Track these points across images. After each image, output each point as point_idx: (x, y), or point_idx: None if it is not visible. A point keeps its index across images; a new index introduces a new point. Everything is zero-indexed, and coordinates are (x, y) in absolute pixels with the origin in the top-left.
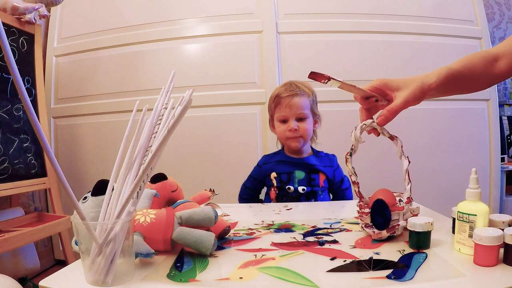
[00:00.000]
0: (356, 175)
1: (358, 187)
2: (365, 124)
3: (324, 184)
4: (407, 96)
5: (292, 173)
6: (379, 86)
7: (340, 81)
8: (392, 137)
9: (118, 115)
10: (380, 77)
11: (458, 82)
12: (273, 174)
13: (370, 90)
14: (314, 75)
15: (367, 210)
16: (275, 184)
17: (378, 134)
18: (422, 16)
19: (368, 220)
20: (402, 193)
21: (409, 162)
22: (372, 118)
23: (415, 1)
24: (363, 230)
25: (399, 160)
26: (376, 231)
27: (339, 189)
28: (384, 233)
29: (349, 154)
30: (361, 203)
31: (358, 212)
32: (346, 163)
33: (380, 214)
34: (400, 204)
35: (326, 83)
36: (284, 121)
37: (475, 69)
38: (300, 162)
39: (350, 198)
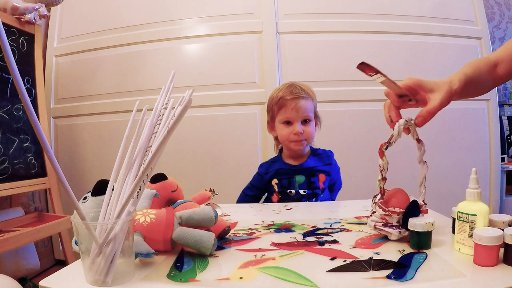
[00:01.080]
0: (386, 170)
1: (384, 183)
2: (406, 121)
3: (324, 185)
4: (441, 99)
5: (292, 178)
6: (413, 85)
7: (386, 77)
8: (418, 140)
9: (118, 115)
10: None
11: (472, 87)
12: (275, 181)
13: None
14: (363, 66)
15: (398, 209)
16: (276, 190)
17: (409, 133)
18: (422, 16)
19: (394, 219)
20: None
21: (428, 168)
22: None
23: (415, 1)
24: (376, 229)
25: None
26: (402, 231)
27: (333, 186)
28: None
29: (385, 147)
30: (382, 200)
31: (384, 210)
32: (381, 157)
33: (413, 215)
34: (425, 206)
35: (372, 76)
36: (287, 123)
37: (482, 74)
38: (299, 168)
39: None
